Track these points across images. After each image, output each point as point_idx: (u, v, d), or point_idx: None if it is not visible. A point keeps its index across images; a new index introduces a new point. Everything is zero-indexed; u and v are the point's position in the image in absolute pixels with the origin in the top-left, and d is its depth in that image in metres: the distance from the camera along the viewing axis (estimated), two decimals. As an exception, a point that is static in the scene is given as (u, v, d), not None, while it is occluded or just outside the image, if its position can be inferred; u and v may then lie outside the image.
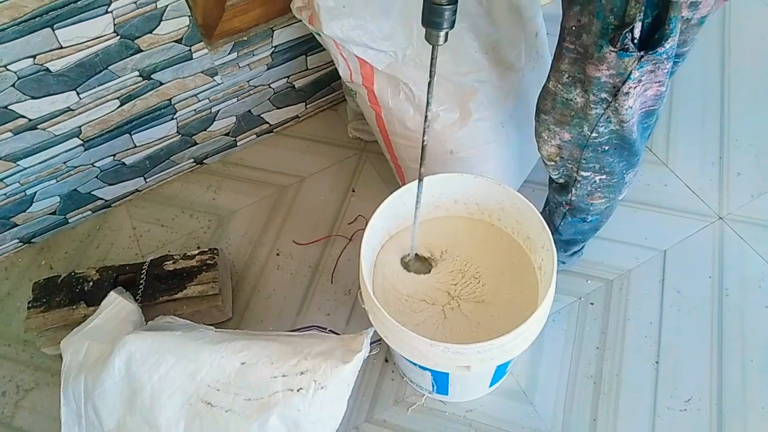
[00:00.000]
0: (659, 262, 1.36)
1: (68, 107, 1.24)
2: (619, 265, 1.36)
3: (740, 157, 1.50)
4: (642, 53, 0.80)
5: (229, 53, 1.35)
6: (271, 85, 1.50)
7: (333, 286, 1.39)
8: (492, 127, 1.23)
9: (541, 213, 1.04)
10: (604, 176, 1.03)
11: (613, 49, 0.81)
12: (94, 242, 1.49)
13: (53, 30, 1.10)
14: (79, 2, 1.09)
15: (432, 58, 0.85)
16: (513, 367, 1.25)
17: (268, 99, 1.53)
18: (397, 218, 1.14)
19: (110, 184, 1.48)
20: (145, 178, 1.52)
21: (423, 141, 0.94)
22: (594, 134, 0.95)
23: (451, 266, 1.13)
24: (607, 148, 0.97)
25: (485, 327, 1.06)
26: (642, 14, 0.78)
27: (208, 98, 1.43)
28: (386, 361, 1.28)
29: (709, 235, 1.39)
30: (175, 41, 1.26)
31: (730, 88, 1.62)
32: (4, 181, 1.31)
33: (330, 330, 1.29)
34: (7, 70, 1.11)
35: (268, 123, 1.60)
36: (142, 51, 1.23)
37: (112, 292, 1.17)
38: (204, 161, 1.59)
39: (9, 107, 1.18)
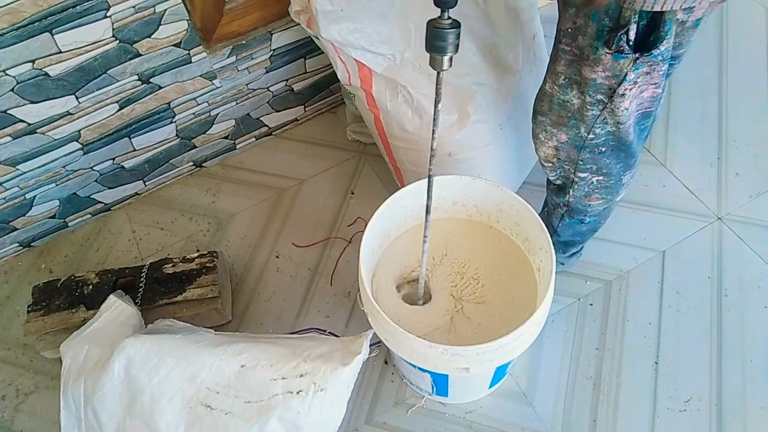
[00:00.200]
0: (658, 262, 1.36)
1: (67, 111, 1.25)
2: (618, 265, 1.36)
3: (739, 157, 1.50)
4: (637, 55, 0.81)
5: (227, 57, 1.35)
6: (270, 89, 1.51)
7: (332, 289, 1.39)
8: (490, 129, 1.24)
9: (539, 214, 1.04)
10: (601, 177, 1.03)
11: (608, 51, 0.81)
12: (94, 246, 1.49)
13: (52, 35, 1.11)
14: (77, 7, 1.09)
15: (437, 85, 0.83)
16: (513, 368, 1.25)
17: (267, 102, 1.54)
18: (397, 221, 1.14)
19: (110, 188, 1.48)
20: (144, 182, 1.53)
21: (429, 170, 0.92)
22: (591, 136, 0.95)
23: (450, 269, 1.13)
24: (604, 149, 0.98)
25: (485, 328, 1.06)
26: (637, 16, 0.78)
27: (207, 102, 1.43)
28: (386, 363, 1.28)
29: (708, 235, 1.39)
30: (174, 45, 1.26)
31: (728, 89, 1.62)
32: (3, 185, 1.31)
33: (329, 332, 1.29)
34: (6, 74, 1.12)
35: (267, 126, 1.60)
36: (140, 55, 1.24)
37: (111, 296, 1.17)
38: (203, 164, 1.59)
39: (8, 112, 1.18)
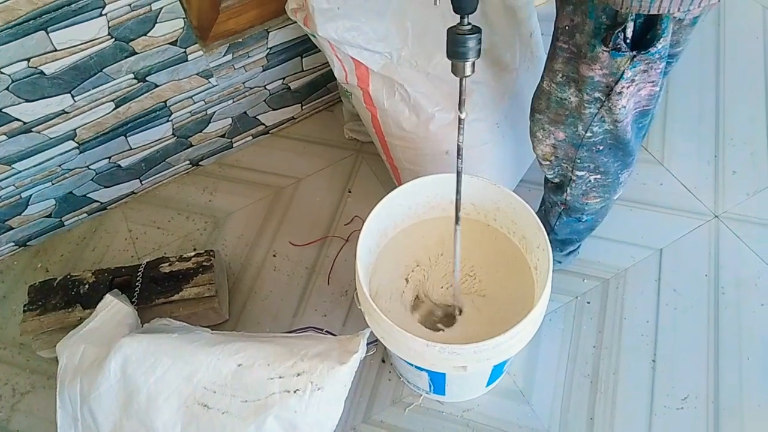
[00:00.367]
0: (655, 260, 1.36)
1: (63, 110, 1.24)
2: (616, 264, 1.36)
3: (735, 155, 1.50)
4: (634, 53, 0.81)
5: (224, 55, 1.35)
6: (267, 87, 1.50)
7: (330, 287, 1.39)
8: (488, 127, 1.24)
9: (536, 213, 1.04)
10: (598, 176, 1.03)
11: (605, 48, 0.81)
12: (90, 245, 1.49)
13: (47, 33, 1.10)
14: (72, 5, 1.09)
15: (460, 92, 0.83)
16: (510, 366, 1.25)
17: (264, 100, 1.53)
18: (394, 219, 1.14)
19: (106, 187, 1.47)
20: (140, 181, 1.52)
21: (457, 200, 0.93)
22: (588, 134, 0.95)
23: (446, 269, 1.13)
24: (601, 147, 0.97)
25: (482, 327, 1.06)
26: (634, 14, 0.78)
27: (204, 100, 1.43)
28: (383, 361, 1.28)
29: (705, 233, 1.39)
30: (170, 43, 1.26)
31: (725, 87, 1.62)
32: (-1, 184, 1.31)
33: (327, 331, 1.29)
34: (2, 73, 1.11)
35: (263, 124, 1.60)
36: (136, 53, 1.23)
37: (107, 295, 1.16)
38: (200, 163, 1.59)
39: (3, 110, 1.17)
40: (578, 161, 1.01)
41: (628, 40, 0.80)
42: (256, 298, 1.38)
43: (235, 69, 1.40)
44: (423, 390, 1.20)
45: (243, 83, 1.45)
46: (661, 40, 0.80)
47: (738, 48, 1.69)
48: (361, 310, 1.02)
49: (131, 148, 1.42)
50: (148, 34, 1.21)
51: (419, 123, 1.21)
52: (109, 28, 1.16)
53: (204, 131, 1.51)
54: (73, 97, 1.23)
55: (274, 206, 1.52)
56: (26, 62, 1.12)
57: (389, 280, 1.12)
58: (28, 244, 1.49)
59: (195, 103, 1.42)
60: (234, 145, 1.60)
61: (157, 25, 1.21)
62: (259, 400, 0.97)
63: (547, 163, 1.07)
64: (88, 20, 1.12)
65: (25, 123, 1.22)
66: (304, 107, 1.62)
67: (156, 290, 1.26)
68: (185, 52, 1.29)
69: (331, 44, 1.13)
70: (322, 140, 1.61)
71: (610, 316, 1.30)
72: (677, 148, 1.53)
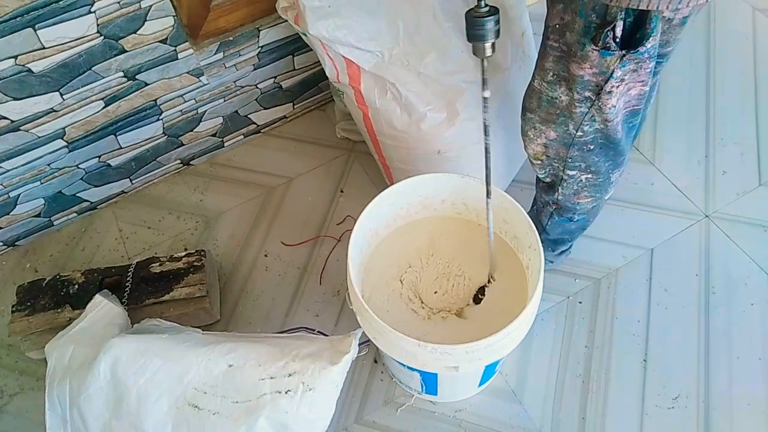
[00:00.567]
0: (646, 260, 1.37)
1: (51, 108, 1.23)
2: (607, 263, 1.37)
3: (726, 155, 1.51)
4: (624, 52, 0.81)
5: (215, 53, 1.34)
6: (258, 86, 1.49)
7: (322, 287, 1.38)
8: (479, 126, 1.23)
9: (528, 212, 1.04)
10: (590, 175, 1.04)
11: (595, 47, 0.81)
12: (80, 245, 1.48)
13: (35, 30, 1.09)
14: (60, 2, 1.08)
15: (482, 72, 0.86)
16: (502, 366, 1.25)
17: (255, 99, 1.52)
18: (386, 219, 1.14)
19: (95, 186, 1.46)
20: (131, 180, 1.51)
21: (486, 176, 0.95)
22: (579, 133, 0.95)
23: (436, 270, 1.12)
24: (592, 147, 0.98)
25: (474, 327, 1.06)
26: (623, 13, 0.78)
27: (195, 99, 1.42)
28: (375, 361, 1.28)
29: (696, 233, 1.40)
30: (160, 41, 1.25)
31: (716, 87, 1.63)
32: (-14, 183, 1.29)
33: (318, 331, 1.28)
34: (-11, 70, 1.10)
35: (255, 123, 1.59)
36: (126, 51, 1.22)
37: (97, 295, 1.15)
38: (191, 162, 1.58)
39: (-9, 109, 1.16)
40: (569, 160, 1.01)
41: (617, 39, 0.80)
42: (248, 298, 1.38)
43: (226, 67, 1.39)
44: (415, 390, 1.20)
45: (234, 82, 1.44)
46: (650, 39, 0.80)
47: (728, 49, 1.70)
48: (353, 311, 1.02)
49: (121, 147, 1.41)
50: (138, 32, 1.20)
51: (411, 122, 1.21)
52: (98, 25, 1.15)
53: (195, 130, 1.50)
54: (61, 95, 1.22)
55: (265, 206, 1.51)
56: (13, 60, 1.11)
57: (384, 281, 1.12)
58: (16, 243, 1.48)
59: (186, 101, 1.41)
60: (225, 144, 1.59)
61: (146, 23, 1.20)
62: (250, 401, 0.97)
63: (539, 162, 1.07)
64: (76, 18, 1.11)
65: (13, 121, 1.21)
66: (295, 106, 1.62)
67: (146, 290, 1.25)
68: (175, 50, 1.28)
69: (323, 43, 1.13)
70: (314, 139, 1.61)
71: (602, 315, 1.31)
72: (668, 148, 1.54)
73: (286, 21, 1.19)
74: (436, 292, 1.10)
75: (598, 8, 0.79)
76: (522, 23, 1.23)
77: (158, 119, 1.41)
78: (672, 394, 1.21)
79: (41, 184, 1.37)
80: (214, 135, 1.54)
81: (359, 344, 1.00)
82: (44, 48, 1.12)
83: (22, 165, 1.30)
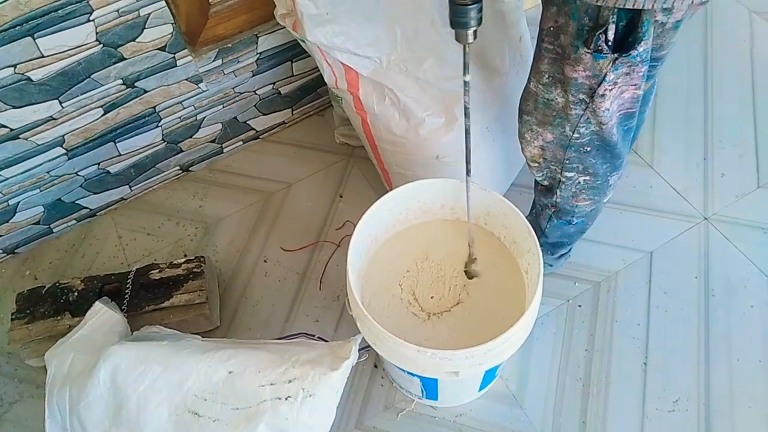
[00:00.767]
0: (646, 263, 1.37)
1: (51, 116, 1.23)
2: (606, 267, 1.37)
3: (724, 158, 1.52)
4: (616, 55, 0.81)
5: (213, 60, 1.35)
6: (257, 92, 1.50)
7: (321, 293, 1.38)
8: (477, 131, 1.23)
9: (527, 216, 1.04)
10: (587, 177, 1.04)
11: (587, 50, 0.82)
12: (79, 252, 1.48)
13: (34, 39, 1.09)
14: (59, 11, 1.08)
15: (464, 57, 0.87)
16: (502, 370, 1.25)
17: (254, 105, 1.53)
18: (385, 224, 1.14)
19: (95, 193, 1.46)
20: (130, 187, 1.51)
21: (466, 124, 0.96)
22: (575, 135, 0.95)
23: (431, 275, 1.12)
24: (589, 149, 0.98)
25: (473, 331, 1.06)
26: (615, 16, 0.79)
27: (194, 105, 1.42)
28: (375, 367, 1.28)
29: (695, 235, 1.40)
30: (159, 49, 1.25)
31: (713, 90, 1.63)
32: (-14, 191, 1.30)
33: (318, 337, 1.28)
34: (-12, 79, 1.11)
35: (254, 129, 1.59)
36: (125, 59, 1.22)
37: (97, 302, 1.15)
38: (190, 168, 1.58)
39: (-10, 117, 1.17)
40: (567, 162, 1.01)
41: (609, 42, 0.81)
42: (247, 304, 1.38)
43: (224, 74, 1.39)
44: (415, 395, 1.20)
45: (233, 88, 1.45)
46: (642, 42, 0.80)
47: (726, 51, 1.70)
48: (352, 316, 1.02)
49: (120, 154, 1.42)
50: (137, 40, 1.21)
51: (409, 127, 1.21)
52: (96, 33, 1.15)
53: (194, 137, 1.50)
54: (61, 103, 1.22)
55: (265, 211, 1.51)
56: (13, 68, 1.11)
57: (384, 287, 1.12)
58: (16, 251, 1.48)
59: (185, 108, 1.41)
60: (224, 150, 1.59)
61: (145, 30, 1.20)
62: (250, 408, 0.97)
63: (536, 165, 1.07)
64: (75, 26, 1.11)
65: (12, 129, 1.21)
66: (294, 112, 1.62)
67: (146, 297, 1.25)
68: (174, 57, 1.29)
69: (321, 49, 1.13)
70: (313, 145, 1.61)
71: (602, 319, 1.31)
72: (666, 151, 1.54)
73: (285, 27, 1.19)
74: (432, 297, 1.10)
75: (590, 11, 0.80)
76: (519, 28, 1.23)
77: (157, 126, 1.41)
78: (672, 397, 1.21)
79: (41, 191, 1.37)
80: (213, 141, 1.55)
81: (359, 350, 1.00)
82: (43, 56, 1.13)
83: (22, 173, 1.30)
